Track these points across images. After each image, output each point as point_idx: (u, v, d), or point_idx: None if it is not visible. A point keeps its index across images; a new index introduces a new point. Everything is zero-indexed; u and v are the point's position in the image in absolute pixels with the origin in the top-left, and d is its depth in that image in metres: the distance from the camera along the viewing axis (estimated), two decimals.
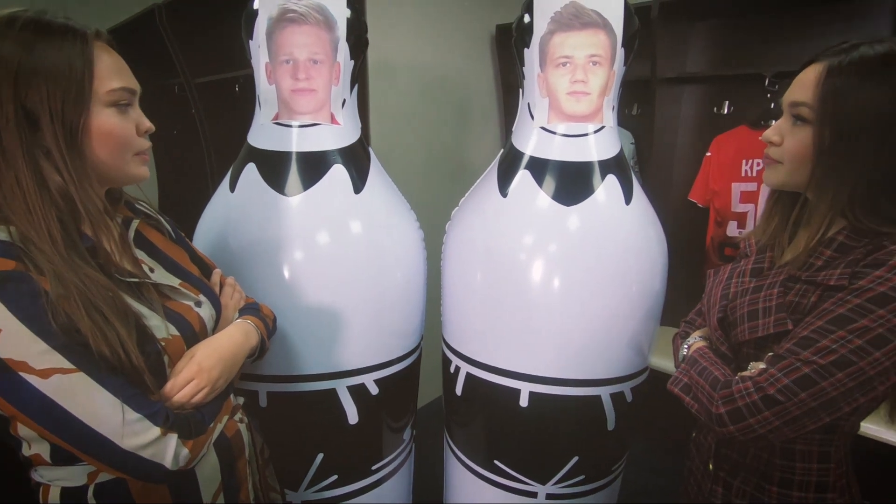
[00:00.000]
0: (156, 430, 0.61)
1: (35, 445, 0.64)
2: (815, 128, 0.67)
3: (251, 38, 1.05)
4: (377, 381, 1.11)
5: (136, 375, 0.62)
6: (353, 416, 1.10)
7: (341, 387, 1.08)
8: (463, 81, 2.37)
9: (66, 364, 0.57)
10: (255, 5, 1.02)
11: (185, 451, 0.64)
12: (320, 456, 1.10)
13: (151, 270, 0.73)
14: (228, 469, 0.76)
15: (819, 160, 0.68)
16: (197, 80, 2.00)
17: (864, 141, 0.64)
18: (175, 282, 0.75)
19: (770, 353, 0.70)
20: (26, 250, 0.57)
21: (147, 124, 0.69)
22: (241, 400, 0.86)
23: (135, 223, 0.75)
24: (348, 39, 1.06)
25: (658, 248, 1.13)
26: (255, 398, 1.05)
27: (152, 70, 2.21)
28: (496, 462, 1.18)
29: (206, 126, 2.02)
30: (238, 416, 0.82)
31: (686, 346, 0.86)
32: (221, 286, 0.89)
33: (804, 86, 0.69)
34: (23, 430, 0.63)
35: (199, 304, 0.76)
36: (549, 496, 1.16)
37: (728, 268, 0.88)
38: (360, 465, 1.16)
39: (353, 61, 1.10)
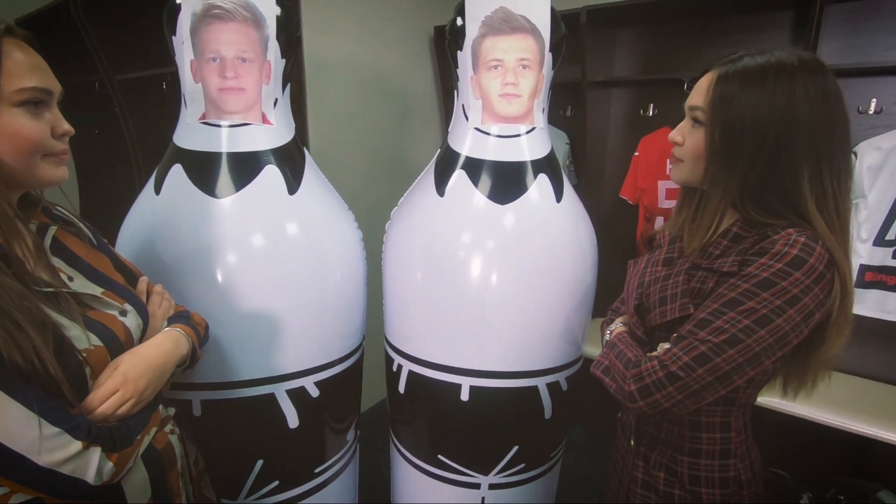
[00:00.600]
0: (77, 445, 0.58)
1: None
2: (708, 130, 0.74)
3: (174, 34, 1.01)
4: (317, 384, 1.10)
5: (55, 386, 0.58)
6: (293, 420, 1.08)
7: (280, 391, 1.06)
8: (403, 82, 2.38)
9: None
10: (178, 0, 0.98)
11: (108, 466, 0.61)
12: (260, 462, 1.08)
13: (70, 279, 0.69)
14: (159, 483, 0.74)
15: (711, 159, 0.75)
16: (120, 77, 1.89)
17: (747, 141, 0.72)
18: (97, 290, 0.72)
19: (675, 335, 0.77)
20: None
21: (65, 127, 0.66)
22: (171, 410, 0.83)
23: (52, 230, 0.71)
24: (279, 38, 1.05)
25: (589, 243, 1.19)
26: (189, 407, 1.01)
27: (69, 66, 2.06)
28: (440, 457, 1.20)
29: (132, 125, 1.92)
30: (169, 427, 0.79)
31: (609, 332, 0.92)
32: (148, 294, 0.86)
33: (699, 91, 0.76)
34: None
35: (123, 312, 0.73)
36: (492, 486, 1.20)
37: (645, 258, 0.94)
38: (302, 470, 1.15)
39: (284, 60, 1.08)
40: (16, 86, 0.60)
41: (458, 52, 1.13)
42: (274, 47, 1.04)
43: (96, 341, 0.66)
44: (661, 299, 0.83)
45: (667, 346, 0.77)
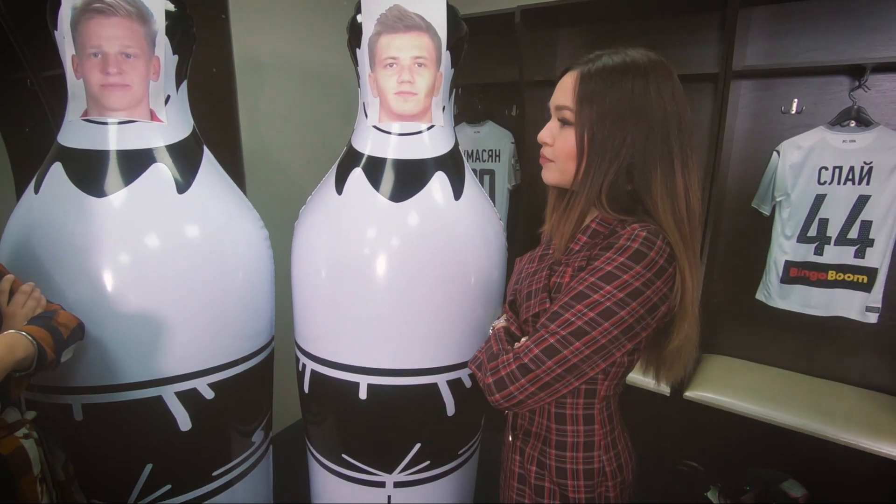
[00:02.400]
0: None
1: None
2: (577, 129, 0.75)
3: (56, 29, 0.99)
4: (212, 385, 1.09)
5: None
6: (184, 422, 1.06)
7: (168, 393, 1.04)
8: (342, 77, 2.36)
9: None
10: None
11: None
12: (149, 466, 1.06)
13: None
14: (6, 489, 0.73)
15: (580, 158, 0.76)
16: (47, 74, 1.85)
17: (610, 139, 0.73)
18: None
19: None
20: None
21: None
22: (30, 414, 0.81)
23: None
24: (171, 33, 1.03)
25: (494, 239, 1.19)
26: (69, 412, 0.99)
27: (2, 62, 2.02)
28: (344, 456, 1.19)
29: (60, 122, 1.88)
30: (23, 431, 0.78)
31: (492, 327, 0.93)
32: (12, 293, 0.84)
33: (565, 90, 0.76)
34: None
35: None
36: (397, 484, 1.20)
37: (527, 256, 0.95)
38: (197, 472, 1.13)
39: (177, 56, 1.07)
40: None
41: (357, 49, 1.13)
42: (163, 42, 1.03)
43: None
44: (528, 294, 0.84)
45: (525, 339, 0.78)
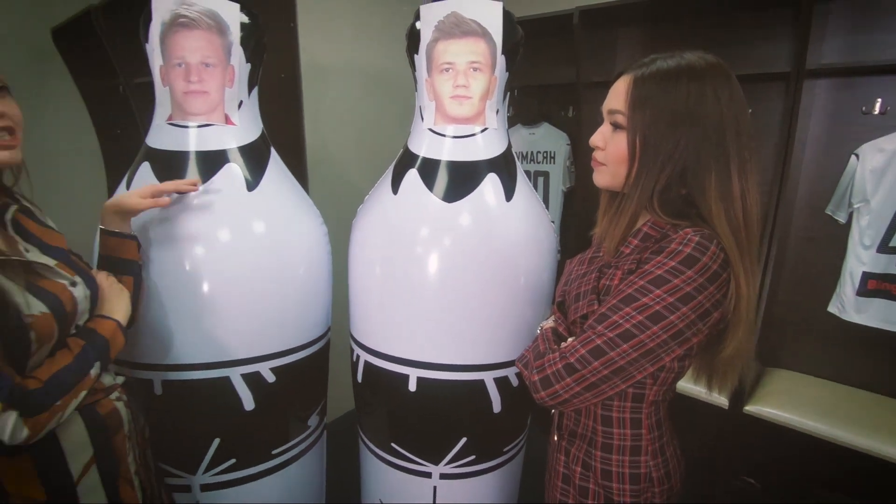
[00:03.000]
0: None
1: None
2: (629, 133, 0.75)
3: (147, 42, 1.10)
4: (273, 370, 1.17)
5: (11, 340, 0.66)
6: (248, 402, 1.15)
7: (235, 375, 1.13)
8: (399, 82, 2.43)
9: None
10: (150, 9, 1.07)
11: (24, 431, 0.68)
12: (217, 441, 1.15)
13: (27, 251, 0.78)
14: (102, 443, 0.82)
15: (632, 162, 0.76)
16: (136, 81, 2.04)
17: (663, 143, 0.73)
18: (51, 262, 0.80)
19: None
20: None
21: None
22: (120, 379, 0.91)
23: (12, 208, 0.80)
24: (244, 44, 1.12)
25: (545, 241, 1.20)
26: (150, 386, 1.10)
27: (99, 70, 2.24)
28: (393, 444, 1.24)
29: (145, 125, 2.06)
30: (116, 394, 0.88)
31: (539, 327, 0.94)
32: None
33: (617, 95, 0.77)
34: None
35: (73, 283, 0.81)
36: (443, 475, 1.23)
37: (577, 258, 0.96)
38: (258, 450, 1.21)
39: (249, 64, 1.16)
40: None
41: (415, 55, 1.18)
42: (238, 52, 1.12)
43: (43, 308, 0.73)
44: (576, 296, 0.85)
45: (572, 339, 0.79)
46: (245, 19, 1.12)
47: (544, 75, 2.33)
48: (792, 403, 1.57)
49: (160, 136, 1.13)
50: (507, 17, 1.12)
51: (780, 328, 1.81)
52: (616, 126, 0.78)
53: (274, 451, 1.23)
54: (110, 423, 0.85)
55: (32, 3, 2.35)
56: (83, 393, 0.78)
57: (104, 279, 0.91)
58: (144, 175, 1.10)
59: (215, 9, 1.07)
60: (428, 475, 1.23)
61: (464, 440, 1.20)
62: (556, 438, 0.94)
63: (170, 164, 1.10)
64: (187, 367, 1.10)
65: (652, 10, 1.84)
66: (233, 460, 1.18)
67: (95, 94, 2.38)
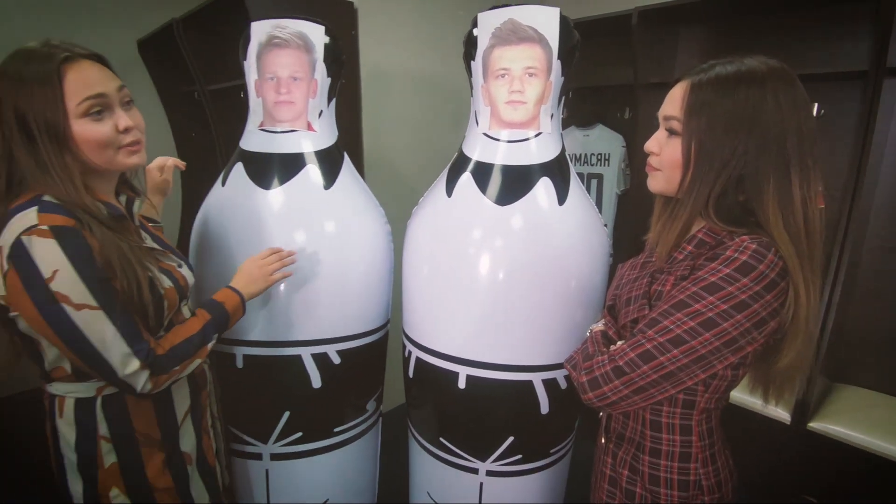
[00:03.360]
0: (136, 364, 0.80)
1: (58, 361, 0.85)
2: (684, 139, 0.75)
3: (245, 59, 1.26)
4: (339, 352, 1.29)
5: (143, 310, 0.83)
6: (316, 380, 1.28)
7: (306, 354, 1.25)
8: (453, 87, 2.48)
9: (93, 302, 0.76)
10: (249, 32, 1.23)
11: (148, 386, 0.84)
12: (287, 414, 1.28)
13: (145, 240, 0.95)
14: (195, 397, 1.02)
15: (687, 168, 0.76)
16: (210, 88, 2.19)
17: (720, 150, 0.72)
18: (164, 249, 0.99)
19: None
20: (79, 216, 0.77)
21: (124, 123, 0.82)
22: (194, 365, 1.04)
23: (138, 201, 0.96)
24: (326, 60, 1.25)
25: (597, 244, 1.20)
26: (233, 360, 1.25)
27: (178, 78, 2.43)
28: (441, 439, 1.28)
29: (218, 128, 2.22)
30: (206, 361, 1.05)
31: (589, 330, 0.95)
32: None
33: (673, 101, 0.77)
34: (49, 350, 0.83)
35: (181, 265, 0.99)
36: (490, 473, 1.26)
37: (629, 262, 0.96)
38: (322, 426, 1.34)
39: (329, 79, 1.28)
40: (74, 101, 0.77)
41: (472, 62, 1.21)
42: (321, 68, 1.25)
43: (169, 283, 0.91)
44: (627, 300, 0.85)
45: (621, 343, 0.80)
46: (328, 40, 1.25)
47: (599, 76, 2.31)
48: (861, 421, 1.48)
49: (252, 140, 1.28)
50: (564, 22, 1.13)
51: (849, 342, 1.71)
52: (671, 132, 0.78)
53: (335, 430, 1.36)
54: (200, 382, 1.03)
55: (118, 17, 2.58)
56: (198, 361, 0.93)
57: (255, 260, 1.09)
58: (238, 173, 1.27)
59: (304, 31, 1.21)
60: (475, 471, 1.27)
61: (511, 439, 1.22)
62: (603, 441, 0.95)
63: (259, 164, 1.25)
64: (266, 343, 1.24)
65: (715, 7, 1.78)
66: (299, 433, 1.31)
67: (173, 100, 2.58)
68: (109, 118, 0.81)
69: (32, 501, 1.32)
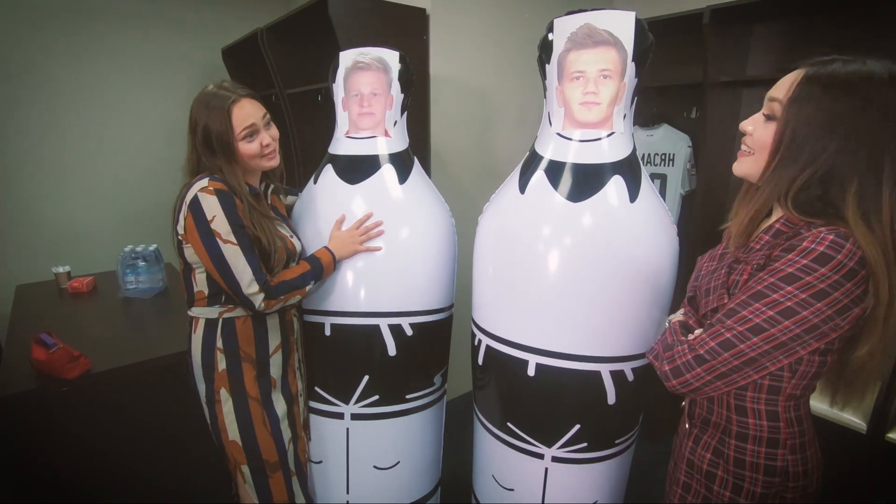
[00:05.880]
0: (256, 287, 1.20)
1: (201, 286, 1.25)
2: (779, 125, 0.76)
3: (334, 82, 1.48)
4: (412, 325, 1.47)
5: (264, 255, 1.23)
6: (391, 349, 1.46)
7: (384, 324, 1.44)
8: (516, 95, 2.55)
9: (234, 241, 1.16)
10: (339, 60, 1.47)
11: (262, 305, 1.22)
12: (366, 378, 1.47)
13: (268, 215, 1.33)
14: (284, 337, 1.37)
15: (774, 154, 0.77)
16: (288, 91, 2.35)
17: (810, 143, 0.73)
18: (281, 221, 1.38)
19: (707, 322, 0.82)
20: (232, 186, 1.20)
21: (266, 141, 1.26)
22: (295, 299, 1.31)
23: (271, 187, 1.42)
24: (399, 80, 1.45)
25: (667, 243, 1.23)
26: (322, 328, 1.47)
27: (258, 82, 2.62)
28: (508, 424, 1.35)
29: (295, 130, 2.37)
30: (295, 311, 1.42)
31: (668, 321, 0.99)
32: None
33: (782, 85, 0.78)
34: (199, 278, 1.24)
35: (292, 235, 1.38)
36: (555, 459, 1.31)
37: (707, 254, 0.99)
38: (396, 392, 1.52)
39: (402, 94, 1.48)
40: (239, 129, 1.21)
41: (546, 65, 1.26)
42: (396, 86, 1.45)
43: (280, 244, 1.28)
44: (707, 290, 0.88)
45: (699, 331, 0.83)
46: (401, 65, 1.46)
47: (665, 76, 2.29)
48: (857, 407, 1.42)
49: (339, 146, 1.51)
50: (639, 25, 1.16)
51: None
52: (769, 117, 0.79)
53: (407, 396, 1.54)
54: (289, 328, 1.39)
55: (203, 29, 2.81)
56: (298, 297, 1.30)
57: (349, 230, 1.39)
58: (328, 173, 1.50)
59: (383, 56, 1.44)
60: (541, 456, 1.32)
61: (577, 427, 1.26)
62: (686, 426, 0.98)
63: (346, 165, 1.47)
64: (351, 314, 1.44)
65: (789, 3, 1.74)
66: (376, 396, 1.50)
67: None
68: (257, 138, 1.25)
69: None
